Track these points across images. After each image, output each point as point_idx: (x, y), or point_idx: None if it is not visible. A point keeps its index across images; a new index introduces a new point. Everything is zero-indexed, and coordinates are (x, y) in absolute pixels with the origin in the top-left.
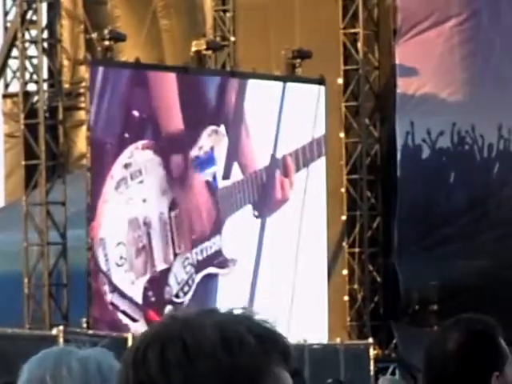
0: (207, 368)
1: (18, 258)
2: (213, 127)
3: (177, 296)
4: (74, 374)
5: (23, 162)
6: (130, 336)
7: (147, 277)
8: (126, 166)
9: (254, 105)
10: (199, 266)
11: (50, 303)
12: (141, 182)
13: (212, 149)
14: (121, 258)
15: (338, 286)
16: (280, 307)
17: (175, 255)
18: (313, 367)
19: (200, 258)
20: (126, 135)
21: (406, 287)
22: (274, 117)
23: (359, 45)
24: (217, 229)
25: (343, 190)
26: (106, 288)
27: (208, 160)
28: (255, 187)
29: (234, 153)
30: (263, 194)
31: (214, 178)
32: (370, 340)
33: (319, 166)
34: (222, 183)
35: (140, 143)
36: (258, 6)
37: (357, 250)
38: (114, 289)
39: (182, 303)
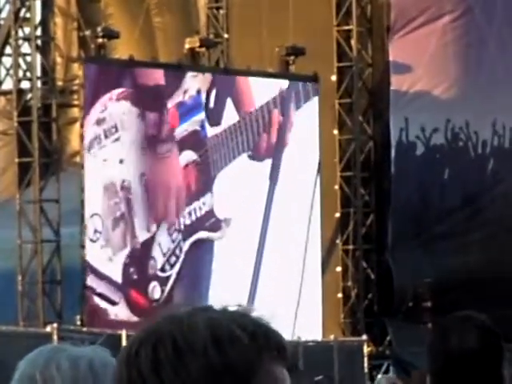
0: (198, 367)
1: (12, 255)
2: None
3: (162, 270)
4: (63, 373)
5: (17, 160)
6: (123, 333)
7: (127, 251)
8: (99, 121)
9: None
10: (187, 232)
11: (43, 301)
12: (117, 139)
13: (199, 92)
14: (95, 231)
15: (332, 283)
16: (285, 295)
17: (159, 222)
18: (307, 364)
19: (188, 221)
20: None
21: (400, 284)
22: None
23: (353, 42)
24: (206, 187)
25: (337, 187)
26: None
27: (194, 105)
28: (250, 130)
29: (228, 88)
30: (259, 138)
31: (203, 126)
32: (364, 337)
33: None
34: (211, 131)
35: (115, 93)
36: (251, 3)
37: (350, 247)
38: (89, 269)
39: (168, 277)
